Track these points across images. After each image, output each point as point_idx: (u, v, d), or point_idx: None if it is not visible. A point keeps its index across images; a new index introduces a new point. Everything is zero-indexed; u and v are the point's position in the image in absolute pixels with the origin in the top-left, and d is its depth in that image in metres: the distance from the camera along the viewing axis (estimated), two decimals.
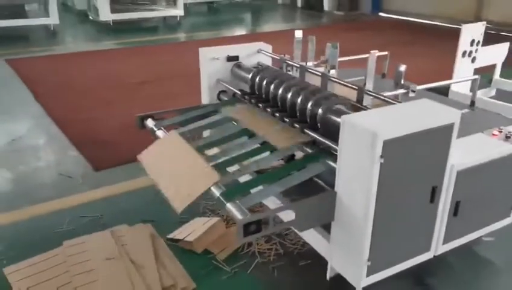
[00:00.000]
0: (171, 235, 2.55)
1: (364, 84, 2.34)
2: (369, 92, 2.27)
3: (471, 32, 4.50)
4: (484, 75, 4.90)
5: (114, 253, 2.37)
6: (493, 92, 5.11)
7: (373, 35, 8.59)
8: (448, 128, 1.90)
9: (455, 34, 4.42)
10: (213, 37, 8.50)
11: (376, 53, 2.36)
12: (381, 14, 11.18)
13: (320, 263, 2.24)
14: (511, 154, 2.20)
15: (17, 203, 2.95)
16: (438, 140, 1.91)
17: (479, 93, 4.97)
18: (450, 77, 4.38)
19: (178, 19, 9.84)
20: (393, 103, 2.14)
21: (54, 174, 3.34)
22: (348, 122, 1.83)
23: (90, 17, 9.65)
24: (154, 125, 2.73)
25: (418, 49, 7.46)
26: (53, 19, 8.47)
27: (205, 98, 3.08)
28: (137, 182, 3.20)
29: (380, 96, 2.21)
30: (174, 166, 2.33)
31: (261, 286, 2.25)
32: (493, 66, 4.97)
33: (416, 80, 2.60)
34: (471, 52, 4.57)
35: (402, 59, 2.52)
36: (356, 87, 2.30)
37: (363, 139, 1.76)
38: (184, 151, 2.34)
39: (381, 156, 1.74)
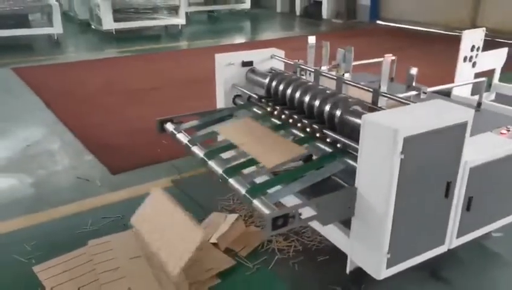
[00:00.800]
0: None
1: (379, 86, 2.46)
2: (384, 94, 2.38)
3: (472, 38, 4.65)
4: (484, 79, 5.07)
5: (138, 252, 2.46)
6: (493, 96, 5.24)
7: (371, 42, 8.76)
8: (462, 126, 2.01)
9: (451, 41, 4.57)
10: (214, 45, 8.64)
11: (390, 56, 2.48)
12: (379, 22, 11.37)
13: (339, 258, 2.34)
14: None
15: (39, 206, 3.03)
16: (452, 137, 2.02)
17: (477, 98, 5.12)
18: (450, 81, 4.51)
19: (180, 27, 9.97)
20: (408, 104, 2.25)
21: (72, 178, 3.43)
22: (369, 121, 1.94)
23: (93, 27, 9.77)
24: (174, 129, 2.82)
25: (416, 55, 7.62)
26: (57, 28, 8.59)
27: (221, 103, 3.19)
28: (154, 184, 3.28)
29: (395, 98, 2.33)
30: (163, 227, 2.45)
31: (283, 280, 2.35)
32: (492, 71, 5.12)
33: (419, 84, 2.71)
34: (471, 57, 4.71)
35: (403, 65, 2.64)
36: (372, 90, 2.41)
37: (385, 137, 1.87)
38: (170, 210, 2.48)
39: (402, 153, 1.85)
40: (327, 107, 2.39)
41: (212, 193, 3.04)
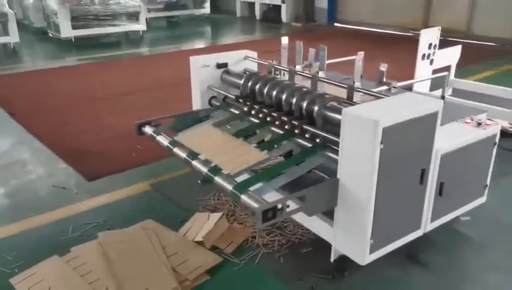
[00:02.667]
0: (180, 233, 2.67)
1: (354, 82, 2.58)
2: (359, 89, 2.51)
3: (429, 36, 4.92)
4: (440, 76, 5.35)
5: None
6: (450, 91, 5.54)
7: (332, 44, 8.98)
8: (434, 116, 2.16)
9: (406, 41, 4.81)
10: (176, 50, 8.62)
11: (362, 54, 2.61)
12: (336, 24, 11.70)
13: (321, 248, 2.44)
14: (483, 138, 2.51)
15: (16, 216, 2.97)
16: (425, 127, 2.16)
17: (437, 93, 5.41)
18: (409, 78, 4.75)
19: (140, 33, 9.89)
20: (382, 98, 2.38)
21: (48, 187, 3.37)
22: (350, 113, 2.05)
23: (50, 35, 9.52)
24: (153, 132, 2.84)
25: (377, 55, 7.89)
26: (13, 37, 8.34)
27: (196, 104, 3.23)
28: (132, 188, 3.30)
29: (369, 93, 2.45)
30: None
31: (270, 273, 2.42)
32: (448, 67, 5.42)
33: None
34: (429, 54, 4.98)
35: (365, 65, 2.76)
36: (346, 86, 2.54)
37: (365, 128, 1.98)
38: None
39: (381, 142, 1.97)
40: (305, 104, 2.49)
41: (192, 194, 3.07)
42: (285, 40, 3.06)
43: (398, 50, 7.94)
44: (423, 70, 5.02)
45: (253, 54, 3.30)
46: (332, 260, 2.37)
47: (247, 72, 3.12)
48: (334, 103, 2.45)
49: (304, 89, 2.61)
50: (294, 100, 2.55)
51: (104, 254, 2.43)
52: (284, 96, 2.62)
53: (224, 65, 3.17)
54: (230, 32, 11.72)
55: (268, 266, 2.47)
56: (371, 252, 2.19)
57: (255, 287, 2.35)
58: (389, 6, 10.68)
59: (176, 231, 2.71)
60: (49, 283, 2.24)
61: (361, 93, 2.52)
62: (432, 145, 2.23)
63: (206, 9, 12.37)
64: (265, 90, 2.76)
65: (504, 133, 4.28)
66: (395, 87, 2.64)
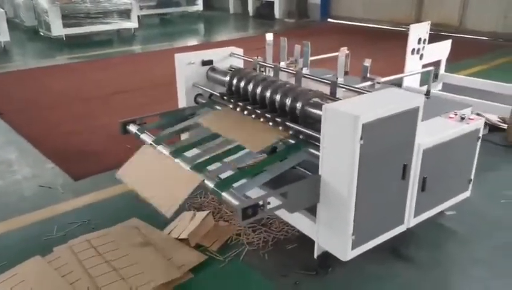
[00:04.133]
0: (165, 232, 2.66)
1: (337, 78, 2.58)
2: (341, 85, 2.50)
3: (418, 31, 4.91)
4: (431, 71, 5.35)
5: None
6: (440, 86, 5.55)
7: (324, 40, 8.98)
8: (415, 111, 2.16)
9: (399, 36, 4.80)
10: (169, 48, 8.58)
11: (345, 50, 2.60)
12: (330, 20, 11.68)
13: (306, 244, 2.44)
14: (466, 133, 2.51)
15: (2, 216, 2.95)
16: (406, 122, 2.16)
17: (425, 88, 5.40)
18: (400, 73, 4.75)
19: (132, 31, 9.84)
20: (364, 93, 2.38)
21: (34, 187, 3.35)
22: (330, 109, 2.05)
23: (41, 33, 9.46)
24: (138, 130, 2.83)
25: (368, 51, 7.91)
26: (3, 36, 8.27)
27: (182, 102, 3.22)
28: (118, 187, 3.27)
29: (352, 88, 2.45)
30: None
31: (254, 270, 2.41)
32: (439, 62, 5.42)
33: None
34: (419, 49, 4.98)
35: (356, 60, 2.77)
36: (329, 82, 2.53)
37: (345, 124, 1.98)
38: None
39: (361, 138, 1.96)
40: (288, 100, 2.48)
41: None
42: (269, 36, 3.05)
43: (391, 45, 7.93)
44: (413, 65, 5.03)
45: (239, 51, 3.28)
46: (315, 256, 2.37)
47: (232, 69, 3.10)
48: (317, 99, 2.44)
49: (288, 86, 2.60)
50: (277, 97, 2.54)
51: (96, 252, 2.45)
52: (267, 93, 2.61)
53: (210, 62, 3.16)
54: (223, 29, 11.68)
55: (252, 263, 2.47)
56: (353, 248, 2.19)
57: (238, 285, 2.34)
58: (382, 2, 10.67)
59: (161, 229, 2.70)
60: (30, 284, 2.23)
61: (344, 90, 2.51)
62: (413, 141, 2.23)
63: (199, 6, 12.31)
64: (249, 88, 2.75)
65: (494, 127, 4.30)
66: (379, 83, 2.63)
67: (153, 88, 5.62)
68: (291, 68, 2.91)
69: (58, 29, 8.85)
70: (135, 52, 8.70)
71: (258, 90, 2.67)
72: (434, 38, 5.24)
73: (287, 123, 2.47)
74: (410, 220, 2.44)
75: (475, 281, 2.36)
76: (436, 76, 5.57)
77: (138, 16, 10.46)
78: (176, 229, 2.70)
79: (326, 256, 2.35)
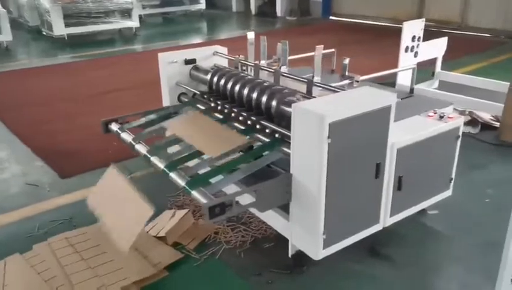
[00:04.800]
0: (144, 230, 2.67)
1: (313, 77, 2.57)
2: (316, 84, 2.50)
3: (412, 28, 4.87)
4: (428, 69, 5.33)
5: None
6: (436, 84, 5.50)
7: (325, 38, 8.94)
8: (386, 110, 2.14)
9: (399, 33, 4.77)
10: (170, 46, 8.61)
11: (321, 48, 2.59)
12: (331, 17, 11.63)
13: (283, 243, 2.43)
14: (444, 132, 2.49)
15: None
16: (378, 121, 2.15)
17: (424, 85, 5.37)
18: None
19: (134, 30, 9.89)
20: (338, 92, 2.37)
21: (21, 185, 3.39)
22: (299, 108, 2.04)
23: (44, 33, 9.54)
24: (119, 129, 2.85)
25: (367, 48, 7.88)
26: (5, 35, 8.37)
27: (166, 101, 3.23)
28: None
29: (326, 87, 2.44)
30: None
31: (229, 269, 2.42)
32: (435, 60, 5.37)
33: (366, 74, 2.84)
34: (413, 47, 4.93)
35: (353, 57, 2.76)
36: (305, 80, 2.52)
37: (312, 123, 1.97)
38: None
39: (328, 137, 1.96)
40: (264, 99, 2.48)
41: (163, 191, 3.07)
42: (251, 35, 3.05)
43: (390, 43, 7.85)
44: (407, 63, 4.98)
45: (223, 50, 3.29)
46: (290, 255, 2.37)
47: (215, 68, 3.11)
48: (293, 98, 2.44)
49: (265, 85, 2.60)
50: (254, 96, 2.54)
51: (73, 249, 2.48)
52: (244, 92, 2.62)
53: (193, 61, 3.17)
54: (225, 28, 11.69)
55: (228, 262, 2.47)
56: (325, 247, 2.19)
57: (212, 283, 2.35)
58: None
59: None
60: (6, 281, 2.26)
61: (320, 88, 2.50)
62: (386, 139, 2.21)
63: (202, 5, 12.32)
64: (228, 86, 2.75)
65: (486, 125, 4.25)
66: (358, 81, 2.61)
67: (146, 87, 5.63)
68: (270, 67, 2.91)
69: (60, 29, 8.92)
70: (136, 51, 8.74)
71: (236, 89, 2.67)
72: (435, 35, 5.20)
73: (262, 122, 2.47)
74: (386, 219, 2.43)
75: (451, 279, 2.34)
76: (432, 74, 5.54)
77: (141, 15, 10.51)
78: (155, 227, 2.71)
79: (301, 255, 2.34)
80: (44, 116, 4.85)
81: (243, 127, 2.63)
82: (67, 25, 8.98)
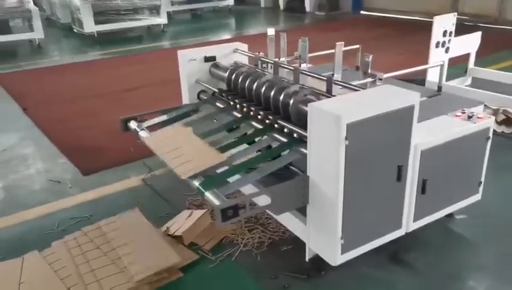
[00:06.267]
0: (162, 229, 2.66)
1: (333, 74, 2.47)
2: (336, 82, 2.40)
3: (443, 23, 4.67)
4: (461, 65, 5.11)
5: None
6: (469, 81, 5.27)
7: (352, 33, 8.77)
8: (409, 110, 2.03)
9: (431, 28, 4.58)
10: (197, 43, 8.62)
11: (342, 45, 2.49)
12: (362, 12, 11.38)
13: (301, 247, 2.36)
14: (473, 132, 2.35)
15: (9, 210, 3.05)
16: (399, 121, 2.03)
17: (456, 82, 5.15)
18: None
19: (162, 27, 9.95)
20: (358, 91, 2.26)
21: (44, 181, 3.44)
22: (315, 108, 1.96)
23: (75, 30, 9.75)
24: (137, 126, 2.84)
25: (397, 44, 7.66)
26: (37, 33, 8.58)
27: (186, 98, 3.20)
28: (124, 183, 3.33)
29: (347, 85, 2.34)
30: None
31: (245, 271, 2.37)
32: (468, 56, 5.14)
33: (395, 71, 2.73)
34: (444, 42, 4.73)
35: (381, 53, 2.65)
36: (325, 78, 2.43)
37: (329, 124, 1.89)
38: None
39: (346, 138, 1.87)
40: (281, 98, 2.40)
41: (182, 189, 3.04)
42: (271, 31, 2.97)
43: (421, 38, 7.62)
44: (437, 59, 4.78)
45: (244, 47, 3.23)
46: (307, 259, 2.30)
47: (235, 65, 3.05)
48: (311, 97, 2.35)
49: (283, 83, 2.52)
50: (271, 94, 2.47)
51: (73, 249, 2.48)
52: (262, 90, 2.55)
53: (212, 58, 3.12)
54: (253, 24, 11.63)
55: (244, 264, 2.42)
56: (343, 252, 2.10)
57: (227, 286, 2.30)
58: None
59: (158, 226, 2.70)
60: (23, 278, 2.28)
61: (340, 87, 2.40)
62: (408, 141, 2.10)
63: (230, 1, 12.31)
64: (246, 84, 2.69)
65: None
66: (381, 79, 2.50)
67: (172, 83, 5.62)
68: (290, 64, 2.82)
69: (90, 26, 9.08)
70: (163, 48, 8.79)
71: (253, 87, 2.60)
72: (471, 29, 4.98)
73: (279, 121, 2.40)
74: (410, 224, 2.31)
75: None
76: (465, 71, 5.31)
77: (169, 12, 10.58)
78: (172, 227, 2.69)
79: (319, 260, 2.26)
80: (71, 113, 4.92)
81: (260, 126, 2.56)
82: (97, 22, 9.15)
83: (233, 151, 2.42)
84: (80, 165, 3.64)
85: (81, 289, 2.20)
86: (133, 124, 2.89)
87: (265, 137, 2.54)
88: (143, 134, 2.75)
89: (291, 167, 2.53)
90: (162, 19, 9.84)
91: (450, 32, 4.77)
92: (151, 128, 2.83)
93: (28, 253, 2.48)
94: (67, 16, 10.17)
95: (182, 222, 2.70)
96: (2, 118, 4.91)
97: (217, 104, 2.97)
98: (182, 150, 2.38)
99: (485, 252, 2.46)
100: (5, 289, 2.26)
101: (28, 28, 8.64)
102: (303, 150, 2.24)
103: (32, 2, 8.69)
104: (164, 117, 2.95)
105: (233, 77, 2.81)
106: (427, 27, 4.64)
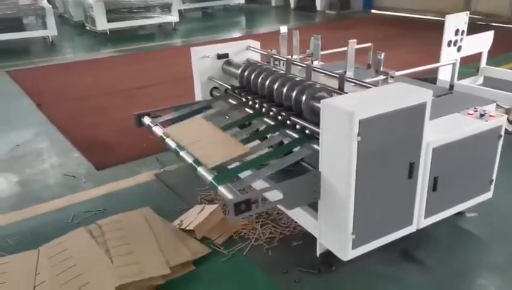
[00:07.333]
0: (174, 224, 2.70)
1: (345, 72, 2.49)
2: (348, 79, 2.42)
3: (455, 22, 4.66)
4: (473, 64, 5.10)
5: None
6: (481, 80, 5.25)
7: (362, 32, 8.75)
8: (421, 107, 2.05)
9: (443, 27, 4.57)
10: (208, 41, 8.67)
11: (354, 43, 2.51)
12: (373, 11, 11.35)
13: (312, 242, 2.38)
14: (484, 131, 2.35)
15: (25, 203, 3.11)
16: (411, 119, 2.05)
17: (468, 81, 5.14)
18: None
19: (173, 25, 10.01)
20: (371, 88, 2.28)
21: (59, 175, 3.50)
22: (327, 105, 1.98)
23: (88, 28, 9.85)
24: (151, 122, 2.88)
25: (408, 42, 7.63)
26: (51, 30, 8.67)
27: (198, 95, 3.24)
28: (137, 178, 3.37)
29: (359, 82, 2.36)
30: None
31: (256, 266, 2.40)
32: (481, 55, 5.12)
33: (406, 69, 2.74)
34: (456, 41, 4.72)
35: (393, 51, 2.66)
36: (337, 76, 2.45)
37: (341, 120, 1.91)
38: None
39: (358, 135, 1.89)
40: (293, 94, 2.43)
41: (194, 185, 3.09)
42: (284, 29, 3.00)
43: (433, 37, 7.59)
44: (449, 58, 4.77)
45: (256, 44, 3.26)
46: (318, 254, 2.32)
47: (247, 63, 3.08)
48: (323, 94, 2.38)
49: (296, 80, 2.55)
50: (284, 91, 2.50)
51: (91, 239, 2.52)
52: (275, 87, 2.58)
53: (225, 56, 3.15)
54: (264, 22, 11.65)
55: (255, 259, 2.45)
56: (354, 247, 2.12)
57: (238, 280, 2.33)
58: None
59: (171, 220, 2.74)
60: (39, 269, 2.33)
61: (352, 84, 2.42)
62: (420, 138, 2.12)
63: None
64: (258, 81, 2.72)
65: None
66: (393, 77, 2.51)
67: (183, 81, 5.67)
68: (303, 62, 2.85)
69: (102, 24, 9.16)
70: (174, 45, 8.85)
71: (266, 83, 2.63)
72: (483, 29, 4.95)
73: (292, 117, 2.42)
74: (420, 221, 2.33)
75: (485, 289, 2.22)
76: (477, 70, 5.28)
77: (180, 10, 10.63)
78: (184, 221, 2.73)
79: (330, 255, 2.29)
80: (84, 109, 4.98)
81: (272, 122, 2.59)
82: (109, 20, 9.22)
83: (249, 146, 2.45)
84: (93, 160, 3.69)
85: (93, 277, 2.24)
86: (146, 120, 2.93)
87: (277, 133, 2.57)
88: (156, 130, 2.79)
89: (302, 162, 2.55)
90: (174, 17, 9.90)
91: (462, 31, 4.76)
92: (165, 124, 2.87)
93: (43, 246, 2.53)
94: (80, 14, 10.26)
95: (194, 217, 2.73)
96: (16, 113, 4.99)
97: (230, 100, 3.01)
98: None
99: (495, 251, 2.47)
100: (21, 280, 2.31)
101: (42, 26, 8.73)
102: (315, 146, 2.27)
103: (45, 0, 8.79)
104: (177, 113, 3.00)
105: (246, 73, 2.85)
106: (439, 26, 4.64)
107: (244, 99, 2.88)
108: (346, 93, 2.39)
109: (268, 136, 2.63)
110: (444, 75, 4.73)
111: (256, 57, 3.25)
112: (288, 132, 2.45)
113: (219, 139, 2.47)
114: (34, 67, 7.11)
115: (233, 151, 2.28)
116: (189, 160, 2.36)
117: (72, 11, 10.64)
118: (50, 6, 8.70)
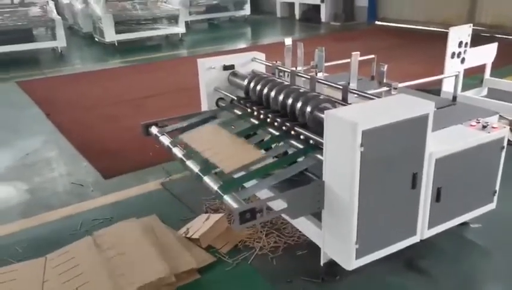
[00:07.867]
0: (180, 232, 2.73)
1: (348, 83, 2.54)
2: (352, 90, 2.46)
3: (459, 34, 4.70)
4: (477, 76, 5.13)
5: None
6: (485, 91, 5.28)
7: (367, 43, 8.82)
8: (423, 118, 2.08)
9: (447, 38, 4.61)
10: (214, 52, 8.76)
11: (358, 54, 2.55)
12: (377, 22, 11.42)
13: (316, 251, 2.40)
14: (487, 142, 2.38)
15: (34, 211, 3.17)
16: (414, 130, 2.08)
17: (472, 93, 5.16)
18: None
19: (180, 36, 10.14)
20: (373, 99, 2.32)
21: (67, 183, 3.56)
22: (331, 116, 2.02)
23: (96, 39, 9.98)
24: (158, 132, 2.93)
25: (411, 54, 7.68)
26: (60, 42, 8.80)
27: (204, 105, 3.30)
28: (143, 187, 3.42)
29: (362, 94, 2.40)
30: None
31: (260, 275, 2.42)
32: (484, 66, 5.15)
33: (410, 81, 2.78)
34: (459, 53, 4.76)
35: (395, 63, 2.71)
36: (341, 87, 2.50)
37: (345, 131, 1.95)
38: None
39: (361, 145, 1.93)
40: (298, 105, 2.47)
41: (199, 194, 3.12)
42: (288, 41, 3.05)
43: (437, 48, 7.63)
44: (453, 69, 4.80)
45: (261, 56, 3.31)
46: (322, 263, 2.34)
47: (253, 74, 3.13)
48: (327, 105, 2.42)
49: (300, 91, 2.59)
50: (288, 102, 2.55)
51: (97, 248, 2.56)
52: (279, 98, 2.62)
53: (231, 67, 3.21)
54: (269, 33, 11.76)
55: (260, 268, 2.48)
56: (358, 257, 2.14)
57: (242, 288, 2.37)
58: (432, 2, 10.28)
59: (176, 229, 2.78)
60: (46, 277, 2.38)
61: (356, 96, 2.46)
62: (423, 149, 2.15)
63: (246, 10, 12.47)
64: (264, 92, 2.77)
65: None
66: (396, 88, 2.55)
67: (188, 91, 5.75)
68: (307, 73, 2.89)
69: (111, 35, 9.29)
70: (181, 56, 8.95)
71: (272, 94, 2.68)
72: (488, 40, 4.99)
73: (296, 128, 2.47)
74: (424, 232, 2.35)
75: None
76: (481, 81, 5.31)
77: (187, 22, 10.76)
78: (190, 230, 2.76)
79: (334, 264, 2.31)
80: (92, 119, 5.06)
81: (277, 133, 2.63)
82: (117, 31, 9.35)
83: None
84: (101, 168, 3.75)
85: (106, 281, 2.27)
86: (154, 130, 2.98)
87: (281, 143, 2.61)
88: (163, 139, 2.84)
89: (306, 172, 2.58)
90: (180, 28, 10.02)
91: (466, 43, 4.81)
92: (172, 134, 2.92)
93: (51, 253, 2.57)
94: (89, 25, 10.41)
95: (200, 225, 2.77)
96: (26, 123, 5.07)
97: (235, 111, 3.06)
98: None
99: (499, 261, 2.48)
100: (29, 287, 2.35)
101: (51, 37, 8.86)
102: (319, 156, 2.30)
103: (55, 12, 8.94)
104: (184, 123, 3.05)
105: (251, 85, 2.90)
106: (442, 38, 4.68)
107: (249, 110, 2.92)
108: (350, 104, 2.43)
109: (273, 146, 2.67)
110: (448, 86, 4.77)
111: (261, 68, 3.31)
112: (292, 142, 2.49)
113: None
114: (44, 78, 7.23)
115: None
116: (195, 169, 2.40)
117: (81, 22, 10.79)
118: (59, 17, 8.85)
